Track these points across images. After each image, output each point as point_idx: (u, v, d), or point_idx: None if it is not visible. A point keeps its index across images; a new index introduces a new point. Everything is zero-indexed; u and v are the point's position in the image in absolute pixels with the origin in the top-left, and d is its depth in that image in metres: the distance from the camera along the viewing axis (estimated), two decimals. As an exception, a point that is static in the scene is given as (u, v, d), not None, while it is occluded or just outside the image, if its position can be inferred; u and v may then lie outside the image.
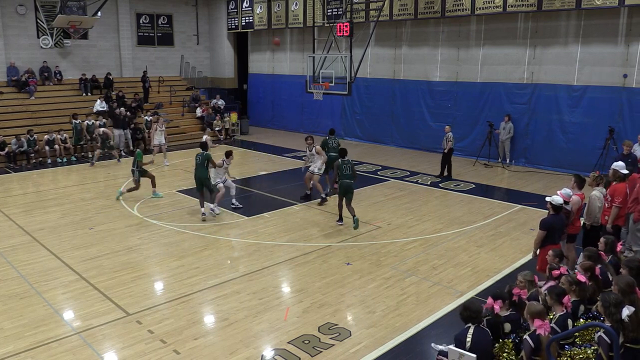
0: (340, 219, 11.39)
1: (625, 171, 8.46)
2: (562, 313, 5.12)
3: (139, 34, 24.68)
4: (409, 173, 16.07)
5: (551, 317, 5.30)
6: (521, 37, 16.68)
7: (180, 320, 7.22)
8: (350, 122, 22.11)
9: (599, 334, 4.55)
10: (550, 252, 6.52)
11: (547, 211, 7.56)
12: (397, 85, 20.22)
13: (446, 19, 17.91)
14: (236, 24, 25.48)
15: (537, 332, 4.67)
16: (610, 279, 6.07)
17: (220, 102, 23.94)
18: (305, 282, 8.46)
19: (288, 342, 6.65)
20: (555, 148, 16.23)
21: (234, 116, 23.76)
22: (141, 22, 24.69)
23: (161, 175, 15.90)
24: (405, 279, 8.57)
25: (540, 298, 5.61)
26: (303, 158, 17.83)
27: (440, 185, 14.66)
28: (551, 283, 5.84)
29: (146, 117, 20.13)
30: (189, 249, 9.90)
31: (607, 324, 4.55)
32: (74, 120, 18.50)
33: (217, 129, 22.27)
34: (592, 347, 4.84)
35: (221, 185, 12.13)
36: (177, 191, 14.04)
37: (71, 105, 20.86)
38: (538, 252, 7.41)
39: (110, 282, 8.43)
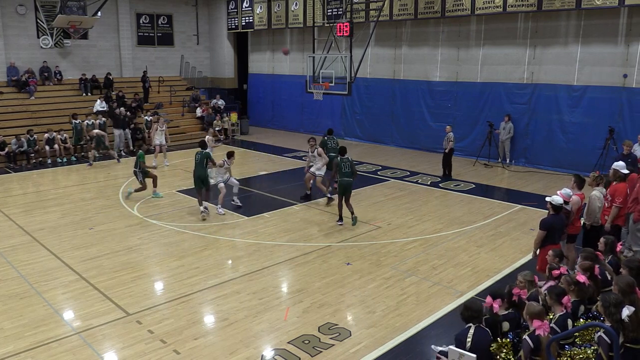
0: (340, 218, 11.41)
1: (626, 171, 8.47)
2: (561, 313, 5.12)
3: (139, 34, 24.68)
4: (409, 173, 16.07)
5: (551, 317, 5.30)
6: (521, 37, 16.68)
7: (180, 320, 7.22)
8: (350, 122, 22.11)
9: (599, 334, 4.55)
10: (550, 252, 6.52)
11: (547, 211, 7.56)
12: (397, 85, 20.22)
13: (446, 19, 17.91)
14: (236, 24, 25.48)
15: (537, 333, 4.67)
16: (609, 279, 6.08)
17: (220, 102, 23.94)
18: (305, 282, 8.46)
19: (288, 342, 6.65)
20: (555, 148, 16.23)
21: (234, 116, 23.76)
22: (141, 22, 24.69)
23: (161, 175, 15.88)
24: (405, 279, 8.57)
25: (540, 298, 5.61)
26: (303, 158, 17.90)
27: (440, 185, 14.67)
28: (551, 283, 5.84)
29: (146, 117, 20.13)
30: (189, 249, 9.90)
31: (607, 324, 4.54)
32: (73, 120, 18.50)
33: (217, 129, 22.26)
34: (592, 347, 4.84)
35: (222, 185, 12.14)
36: (177, 191, 14.05)
37: (71, 105, 20.86)
38: (538, 252, 7.42)
39: (110, 282, 8.43)
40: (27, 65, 21.35)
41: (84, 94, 21.96)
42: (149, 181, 13.25)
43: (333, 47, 16.59)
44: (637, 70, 14.55)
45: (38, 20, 21.65)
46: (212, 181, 13.67)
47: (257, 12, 24.08)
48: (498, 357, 4.86)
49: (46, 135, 17.96)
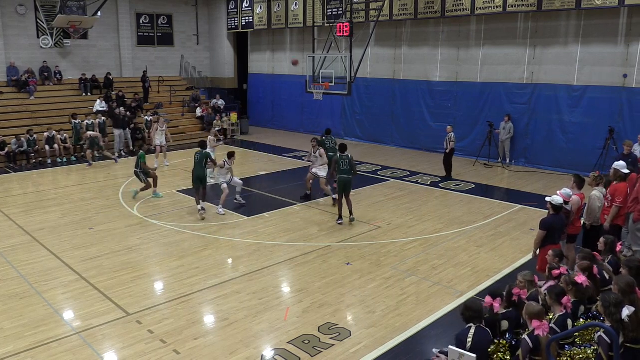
0: (340, 217, 11.43)
1: (626, 171, 8.47)
2: (561, 313, 5.11)
3: (139, 34, 24.68)
4: (409, 173, 16.07)
5: (551, 317, 5.30)
6: (521, 37, 16.68)
7: (180, 320, 7.22)
8: (350, 122, 22.11)
9: (599, 334, 4.54)
10: (550, 252, 6.52)
11: (547, 211, 7.56)
12: (397, 85, 20.22)
13: (446, 19, 17.90)
14: (236, 24, 25.48)
15: (536, 333, 4.67)
16: (607, 278, 6.08)
17: (220, 102, 23.95)
18: (305, 282, 8.46)
19: (288, 342, 6.65)
20: (555, 148, 16.23)
21: (233, 116, 23.76)
22: (141, 22, 24.69)
23: (161, 175, 15.89)
24: (405, 279, 8.57)
25: (540, 298, 5.61)
26: (304, 158, 17.91)
27: (440, 185, 14.67)
28: (551, 283, 5.84)
29: (146, 117, 20.13)
30: (189, 249, 9.90)
31: (607, 324, 4.54)
32: (73, 120, 18.50)
33: (217, 129, 22.24)
34: (592, 347, 4.84)
35: (225, 186, 12.16)
36: (177, 191, 14.05)
37: (71, 105, 20.86)
38: (538, 252, 7.42)
39: (110, 282, 8.43)
40: (27, 65, 21.35)
41: (84, 94, 21.96)
42: (150, 180, 13.26)
43: (333, 47, 16.59)
44: (637, 70, 14.55)
45: (38, 20, 21.65)
46: (212, 181, 13.73)
47: (257, 12, 24.08)
48: (495, 357, 4.87)
49: (46, 134, 17.95)
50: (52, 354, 6.42)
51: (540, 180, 15.13)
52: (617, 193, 8.18)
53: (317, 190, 13.38)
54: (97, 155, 18.99)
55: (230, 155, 12.27)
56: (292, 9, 22.33)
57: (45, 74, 21.66)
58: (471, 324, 4.88)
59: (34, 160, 17.70)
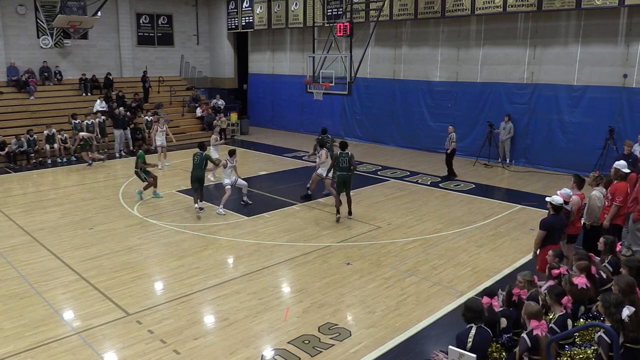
0: (338, 212, 11.53)
1: (627, 170, 8.48)
2: (561, 313, 5.12)
3: (139, 34, 24.68)
4: (409, 173, 16.07)
5: (550, 317, 5.30)
6: (521, 37, 16.68)
7: (180, 320, 7.22)
8: (350, 122, 22.11)
9: (599, 334, 4.54)
10: (550, 252, 6.52)
11: (547, 211, 7.56)
12: (397, 85, 20.22)
13: (446, 19, 17.90)
14: (236, 24, 25.48)
15: (534, 333, 4.68)
16: (605, 277, 6.09)
17: (220, 102, 23.95)
18: (305, 282, 8.46)
19: (288, 342, 6.65)
20: (555, 148, 16.23)
21: (233, 116, 23.76)
22: (141, 22, 24.69)
23: (161, 175, 15.90)
24: (405, 279, 8.57)
25: (540, 298, 5.61)
26: (303, 158, 17.91)
27: (440, 185, 14.66)
28: (551, 283, 5.84)
29: (147, 117, 20.13)
30: (189, 249, 9.90)
31: (607, 324, 4.54)
32: (73, 120, 18.49)
33: (218, 128, 22.26)
34: (592, 347, 4.84)
35: (229, 187, 12.17)
36: (177, 191, 14.05)
37: (71, 105, 20.86)
38: (538, 252, 7.42)
39: (110, 282, 8.43)
40: (27, 65, 21.35)
41: (84, 94, 21.96)
42: (151, 178, 13.24)
43: (333, 47, 16.59)
44: (637, 70, 14.55)
45: (38, 20, 21.65)
46: (212, 179, 13.77)
47: (257, 12, 24.08)
48: (489, 357, 4.89)
49: (45, 132, 17.94)
50: (52, 354, 6.42)
51: (540, 180, 15.13)
52: (617, 192, 8.19)
53: (317, 190, 13.39)
54: (98, 155, 19.01)
55: (232, 153, 12.31)
56: (292, 9, 22.33)
57: (45, 74, 21.67)
58: (472, 324, 4.89)
59: (34, 160, 17.70)
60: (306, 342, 6.66)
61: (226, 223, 11.50)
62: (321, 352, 6.44)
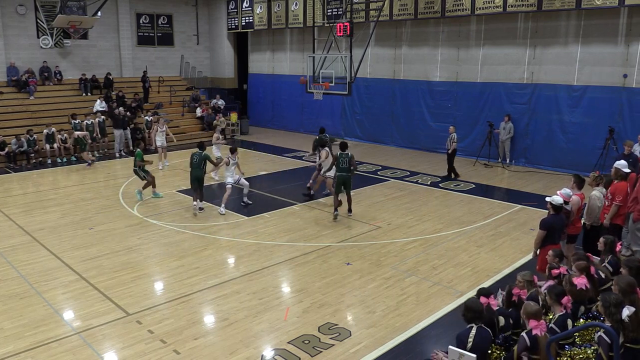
0: (335, 209, 11.61)
1: (627, 170, 8.49)
2: (561, 313, 5.12)
3: (139, 34, 24.68)
4: (409, 173, 16.07)
5: (550, 317, 5.30)
6: (521, 37, 16.68)
7: (180, 320, 7.22)
8: (350, 122, 22.11)
9: (599, 334, 4.55)
10: (550, 252, 6.53)
11: (547, 211, 7.56)
12: (397, 85, 20.22)
13: (446, 19, 17.90)
14: (236, 24, 25.48)
15: (533, 333, 4.69)
16: (604, 277, 6.09)
17: (220, 102, 23.94)
18: (305, 282, 8.46)
19: (288, 342, 6.65)
20: (555, 148, 16.23)
21: (233, 116, 23.76)
22: (141, 22, 24.69)
23: (161, 175, 15.92)
24: (405, 279, 8.57)
25: (540, 298, 5.61)
26: (303, 158, 17.92)
27: (440, 185, 14.66)
28: (551, 283, 5.84)
29: (147, 117, 20.13)
30: (189, 249, 9.90)
31: (607, 324, 4.54)
32: (72, 120, 18.49)
33: (220, 127, 22.25)
34: (592, 347, 4.84)
35: (230, 186, 12.19)
36: (177, 191, 14.05)
37: (71, 105, 20.86)
38: (538, 252, 7.42)
39: (110, 282, 8.43)
40: (27, 65, 21.35)
41: (84, 94, 21.96)
42: (150, 177, 13.23)
43: (333, 47, 16.59)
44: (637, 70, 14.55)
45: (38, 20, 21.65)
46: (215, 177, 13.81)
47: (257, 12, 24.08)
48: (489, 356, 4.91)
49: (45, 130, 17.93)
50: (52, 354, 6.42)
51: (540, 180, 15.13)
52: (617, 192, 8.20)
53: (318, 190, 13.41)
54: (97, 155, 19.04)
55: (233, 150, 12.34)
56: (292, 9, 22.33)
57: (45, 74, 21.66)
58: (472, 324, 4.89)
59: (34, 160, 17.70)
60: (306, 342, 6.66)
61: (226, 223, 11.50)
62: (321, 352, 6.44)
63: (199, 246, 10.07)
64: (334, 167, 11.82)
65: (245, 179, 13.00)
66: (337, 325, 7.07)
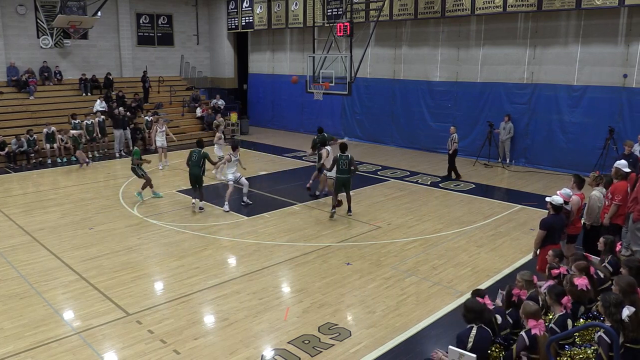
0: (333, 207, 11.67)
1: (628, 169, 8.49)
2: (561, 313, 5.12)
3: (139, 34, 24.68)
4: (409, 173, 16.07)
5: (550, 317, 5.30)
6: (521, 37, 16.68)
7: (180, 320, 7.22)
8: (350, 122, 22.11)
9: (599, 334, 4.55)
10: (550, 252, 6.53)
11: (547, 211, 7.56)
12: (397, 85, 20.22)
13: (446, 19, 17.90)
14: (236, 24, 25.48)
15: (532, 333, 4.69)
16: (603, 277, 6.09)
17: (220, 102, 23.94)
18: (305, 282, 8.46)
19: (288, 342, 6.65)
20: (555, 148, 16.23)
21: (233, 116, 23.76)
22: (141, 22, 24.69)
23: (161, 175, 15.93)
24: (405, 279, 8.57)
25: (540, 298, 5.61)
26: (303, 158, 17.92)
27: (440, 185, 14.66)
28: (551, 283, 5.84)
29: (147, 117, 20.13)
30: (189, 249, 9.90)
31: (607, 324, 4.54)
32: (72, 120, 18.49)
33: (222, 127, 22.23)
34: (592, 347, 4.84)
35: (232, 183, 12.21)
36: (177, 191, 14.05)
37: (71, 105, 20.87)
38: (538, 252, 7.42)
39: (110, 282, 8.43)
40: (27, 65, 21.36)
41: (84, 94, 21.96)
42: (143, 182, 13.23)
43: (333, 47, 16.58)
44: (637, 70, 14.55)
45: (38, 20, 21.65)
46: (217, 175, 13.84)
47: (257, 12, 24.08)
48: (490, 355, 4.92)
49: (45, 130, 17.91)
50: (52, 354, 6.42)
51: (540, 180, 15.13)
52: (617, 191, 8.20)
53: (322, 189, 13.42)
54: (97, 155, 19.06)
55: (235, 147, 12.36)
56: (292, 9, 22.33)
57: (45, 74, 21.66)
58: (473, 325, 4.89)
59: (34, 160, 17.70)
60: (306, 342, 6.66)
61: (226, 223, 11.50)
62: (321, 352, 6.44)
63: (199, 246, 10.07)
64: (334, 167, 11.85)
65: (245, 178, 13.00)
66: (337, 325, 7.07)
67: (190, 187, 12.33)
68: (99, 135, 19.27)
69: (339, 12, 18.84)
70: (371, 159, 17.94)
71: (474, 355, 4.59)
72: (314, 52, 16.95)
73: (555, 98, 16.07)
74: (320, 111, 22.90)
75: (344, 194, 11.77)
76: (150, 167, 13.76)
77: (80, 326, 7.07)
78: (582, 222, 8.29)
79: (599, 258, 6.70)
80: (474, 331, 4.82)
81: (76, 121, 18.44)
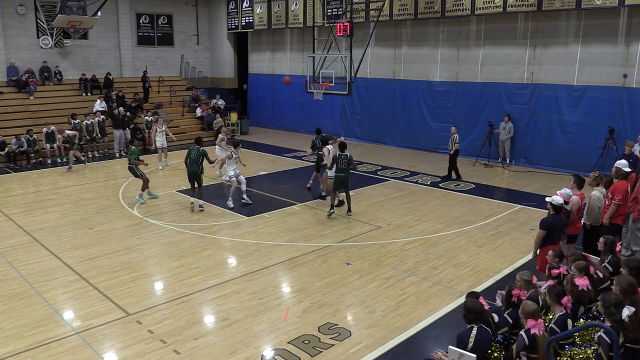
0: (332, 207, 11.68)
1: (628, 169, 8.49)
2: (561, 313, 5.12)
3: (139, 34, 24.68)
4: (409, 173, 16.07)
5: (550, 317, 5.30)
6: (521, 37, 16.68)
7: (180, 320, 7.22)
8: (350, 122, 22.11)
9: (599, 334, 4.54)
10: (550, 252, 6.53)
11: (547, 211, 7.56)
12: (397, 85, 20.22)
13: (446, 19, 17.90)
14: (236, 24, 25.48)
15: (532, 332, 4.69)
16: (602, 277, 6.09)
17: (220, 102, 23.94)
18: (305, 282, 8.46)
19: (288, 342, 6.65)
20: (555, 148, 16.23)
21: (233, 116, 23.76)
22: (141, 22, 24.69)
23: (161, 175, 15.94)
24: (405, 279, 8.57)
25: (540, 298, 5.61)
26: (303, 158, 17.92)
27: (440, 185, 14.66)
28: (551, 283, 5.84)
29: (147, 117, 20.13)
30: (189, 249, 9.90)
31: (607, 324, 4.54)
32: (72, 120, 18.49)
33: (216, 128, 22.23)
34: (592, 347, 4.84)
35: (234, 179, 12.27)
36: (177, 191, 14.04)
37: (71, 105, 20.86)
38: (538, 252, 7.42)
39: (110, 282, 8.43)
40: (27, 65, 21.35)
41: (84, 94, 21.96)
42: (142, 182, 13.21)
43: (333, 47, 16.58)
44: (637, 70, 14.55)
45: (38, 20, 21.65)
46: (218, 173, 13.85)
47: (257, 12, 24.08)
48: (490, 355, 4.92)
49: (44, 129, 17.90)
50: (52, 354, 6.42)
51: (540, 180, 15.13)
52: (617, 191, 8.21)
53: (316, 189, 13.40)
54: (97, 155, 19.06)
55: (236, 145, 12.44)
56: (292, 9, 22.33)
57: (45, 74, 21.66)
58: (473, 325, 4.89)
59: (34, 160, 17.70)
60: (306, 342, 6.66)
61: (226, 223, 11.50)
62: (321, 352, 6.44)
63: (199, 246, 10.07)
64: (333, 166, 11.84)
65: (243, 177, 13.02)
66: (337, 325, 7.07)
67: (189, 183, 12.30)
68: (99, 135, 19.27)
69: (339, 12, 18.84)
70: (371, 159, 17.94)
71: (474, 355, 4.60)
72: (314, 52, 16.95)
73: (555, 98, 16.07)
74: (320, 111, 22.90)
75: (344, 193, 11.79)
76: (150, 167, 13.74)
77: (80, 326, 7.07)
78: (582, 222, 8.30)
79: (598, 258, 6.70)
80: (474, 331, 4.82)
81: (76, 121, 18.44)
